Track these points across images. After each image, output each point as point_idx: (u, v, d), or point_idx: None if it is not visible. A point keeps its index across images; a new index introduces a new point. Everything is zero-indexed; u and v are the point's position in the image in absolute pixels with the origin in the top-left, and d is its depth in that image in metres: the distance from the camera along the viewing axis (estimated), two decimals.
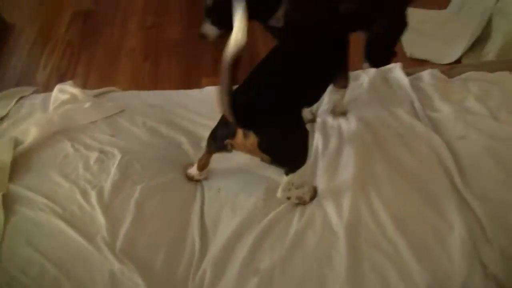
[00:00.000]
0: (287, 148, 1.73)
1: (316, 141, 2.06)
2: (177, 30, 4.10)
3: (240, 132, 1.66)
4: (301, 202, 1.83)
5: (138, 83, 3.58)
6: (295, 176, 1.78)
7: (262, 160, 1.72)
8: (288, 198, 1.82)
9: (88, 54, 3.90)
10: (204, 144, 1.92)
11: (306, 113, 2.20)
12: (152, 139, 2.08)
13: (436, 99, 2.27)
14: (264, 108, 1.65)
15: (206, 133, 1.87)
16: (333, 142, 2.05)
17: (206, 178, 1.94)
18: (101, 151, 1.98)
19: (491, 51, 3.40)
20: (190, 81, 3.50)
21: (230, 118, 1.57)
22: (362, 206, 1.79)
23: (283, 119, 1.70)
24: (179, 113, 2.19)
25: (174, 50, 3.86)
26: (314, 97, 1.99)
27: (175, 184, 1.91)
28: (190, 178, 1.94)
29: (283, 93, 1.72)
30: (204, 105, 2.21)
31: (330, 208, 1.80)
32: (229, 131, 1.70)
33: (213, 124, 1.80)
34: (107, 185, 1.84)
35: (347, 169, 1.92)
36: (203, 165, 1.91)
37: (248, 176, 1.93)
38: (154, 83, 3.56)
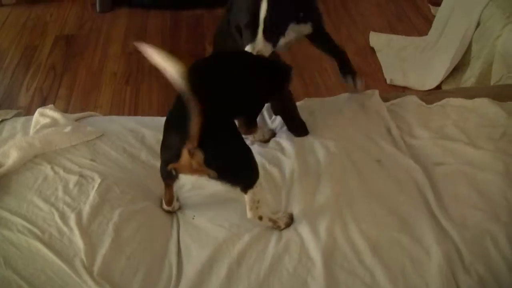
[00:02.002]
0: (233, 162, 1.77)
1: (292, 164, 2.08)
2: None
3: (185, 152, 1.66)
4: (275, 227, 1.85)
5: (119, 107, 3.61)
6: (255, 192, 1.79)
7: (210, 177, 1.73)
8: (260, 218, 1.82)
9: (71, 77, 3.93)
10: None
11: (264, 132, 2.28)
12: (132, 165, 2.10)
13: (415, 125, 2.32)
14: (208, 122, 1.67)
15: None
16: (310, 166, 2.08)
17: (180, 208, 1.96)
18: (81, 175, 1.98)
19: (470, 77, 3.44)
20: (170, 106, 3.53)
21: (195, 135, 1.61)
22: (339, 231, 1.82)
23: (224, 132, 1.76)
24: (159, 140, 2.19)
25: (155, 75, 3.90)
26: (247, 110, 2.09)
27: (153, 209, 1.94)
28: (166, 211, 1.96)
29: (221, 106, 1.77)
30: None
31: (306, 233, 1.82)
32: (172, 154, 1.71)
33: None
34: (86, 208, 1.85)
35: (324, 194, 1.95)
36: (168, 199, 1.93)
37: (222, 202, 1.95)
38: (135, 108, 3.60)
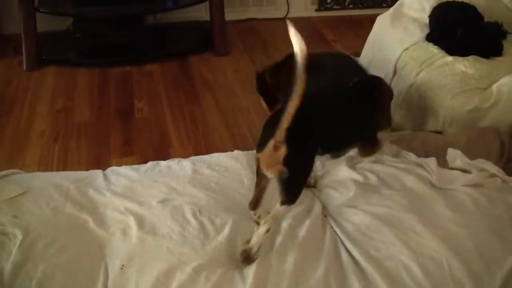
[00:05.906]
0: (301, 172, 1.92)
1: None
2: (87, 112, 4.13)
3: (271, 144, 1.74)
4: (245, 256, 1.85)
5: (47, 166, 3.54)
6: (285, 211, 1.89)
7: (278, 175, 1.81)
8: (267, 231, 1.83)
9: None
10: None
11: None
12: (56, 218, 2.05)
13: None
14: (301, 129, 1.76)
15: (110, 213, 2.01)
16: None
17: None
18: (2, 233, 1.94)
19: None
20: (99, 163, 3.51)
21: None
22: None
23: (309, 147, 1.90)
24: (84, 193, 2.19)
25: (84, 131, 3.88)
26: (332, 144, 2.15)
27: (78, 261, 1.89)
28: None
29: (317, 125, 1.88)
30: (107, 185, 2.23)
31: None
32: (260, 145, 1.83)
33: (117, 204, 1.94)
34: (8, 267, 1.80)
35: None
36: (253, 202, 2.05)
37: (151, 250, 1.93)
38: (63, 166, 3.53)
